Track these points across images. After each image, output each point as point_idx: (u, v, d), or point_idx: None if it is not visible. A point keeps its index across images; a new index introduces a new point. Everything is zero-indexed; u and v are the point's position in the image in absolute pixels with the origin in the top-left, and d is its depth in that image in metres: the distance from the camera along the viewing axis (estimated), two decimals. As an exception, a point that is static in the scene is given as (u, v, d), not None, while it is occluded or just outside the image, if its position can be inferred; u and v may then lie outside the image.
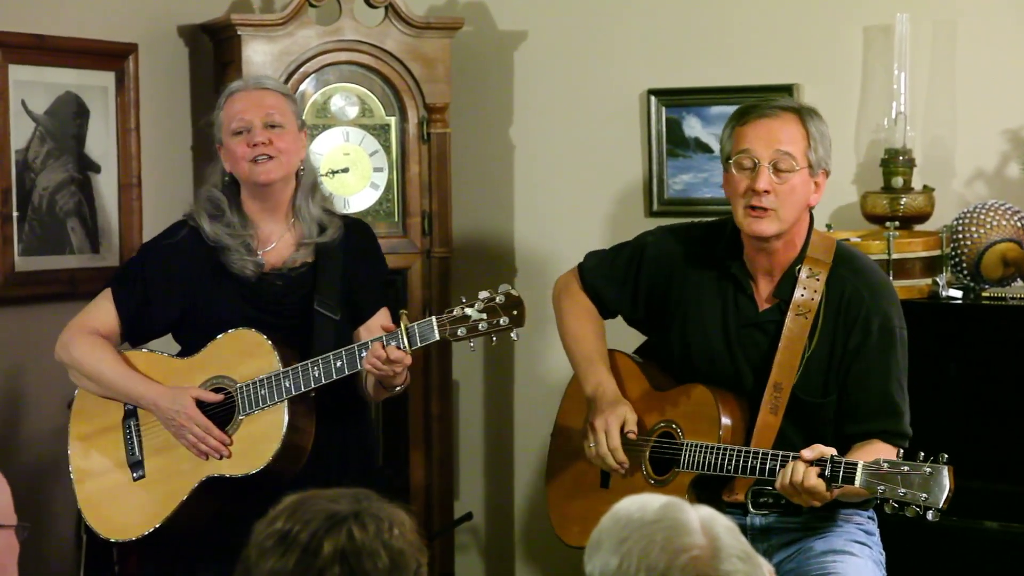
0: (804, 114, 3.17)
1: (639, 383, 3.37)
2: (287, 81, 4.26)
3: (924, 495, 2.82)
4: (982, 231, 3.85)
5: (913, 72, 4.06)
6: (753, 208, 3.12)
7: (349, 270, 3.48)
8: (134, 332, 3.53)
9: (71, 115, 4.24)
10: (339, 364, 3.27)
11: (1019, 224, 3.85)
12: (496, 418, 4.85)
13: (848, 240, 3.65)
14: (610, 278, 3.44)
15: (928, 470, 2.82)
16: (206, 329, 3.44)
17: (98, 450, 3.51)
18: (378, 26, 4.37)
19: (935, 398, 3.74)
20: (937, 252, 3.94)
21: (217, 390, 3.39)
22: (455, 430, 4.69)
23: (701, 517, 1.76)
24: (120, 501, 3.46)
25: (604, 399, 3.29)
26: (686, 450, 3.19)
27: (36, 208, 4.16)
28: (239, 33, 4.23)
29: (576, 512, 3.41)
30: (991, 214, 3.86)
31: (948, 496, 2.82)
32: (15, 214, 4.09)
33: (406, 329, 3.21)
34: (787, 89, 4.23)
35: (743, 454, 3.09)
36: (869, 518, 3.29)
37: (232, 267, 3.44)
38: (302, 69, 4.30)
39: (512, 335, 3.19)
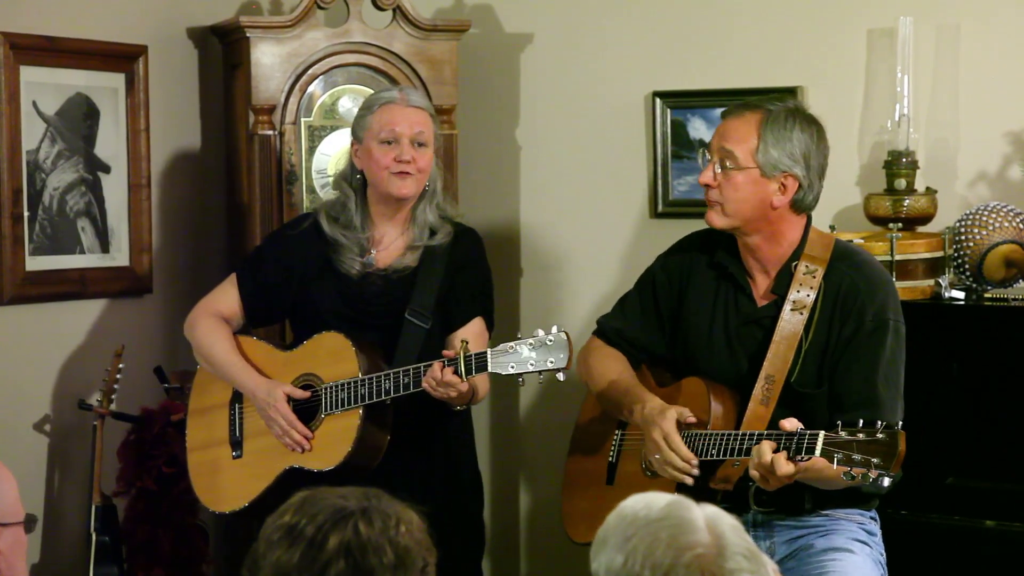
0: (769, 116, 3.20)
1: (646, 381, 3.42)
2: (295, 82, 4.29)
3: (876, 460, 2.84)
4: (984, 233, 3.86)
5: (916, 75, 4.08)
6: (707, 200, 3.25)
7: (448, 278, 3.61)
8: (255, 315, 3.75)
9: (81, 116, 4.27)
10: (406, 380, 3.40)
11: (1021, 226, 3.87)
12: (502, 417, 4.87)
13: (851, 241, 3.67)
14: (630, 318, 3.48)
15: (881, 436, 2.85)
16: (307, 320, 3.66)
17: (208, 424, 3.73)
18: (386, 28, 4.39)
19: (937, 399, 3.76)
20: (940, 253, 3.96)
21: (306, 387, 3.57)
22: (461, 429, 4.71)
23: (706, 515, 1.77)
24: (219, 475, 3.69)
25: (652, 412, 3.25)
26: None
27: (47, 208, 4.19)
28: (248, 35, 4.25)
29: (584, 509, 3.46)
30: (993, 216, 3.88)
31: (899, 461, 2.83)
32: (26, 214, 4.11)
33: (464, 357, 3.32)
34: (791, 91, 4.25)
35: (725, 436, 3.13)
36: (871, 518, 3.32)
37: (340, 266, 3.61)
38: (310, 71, 4.31)
39: (559, 376, 3.29)
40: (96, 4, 4.32)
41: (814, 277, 3.22)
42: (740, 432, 3.12)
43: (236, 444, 3.68)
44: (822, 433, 2.90)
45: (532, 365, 3.26)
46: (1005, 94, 4.11)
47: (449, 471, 3.68)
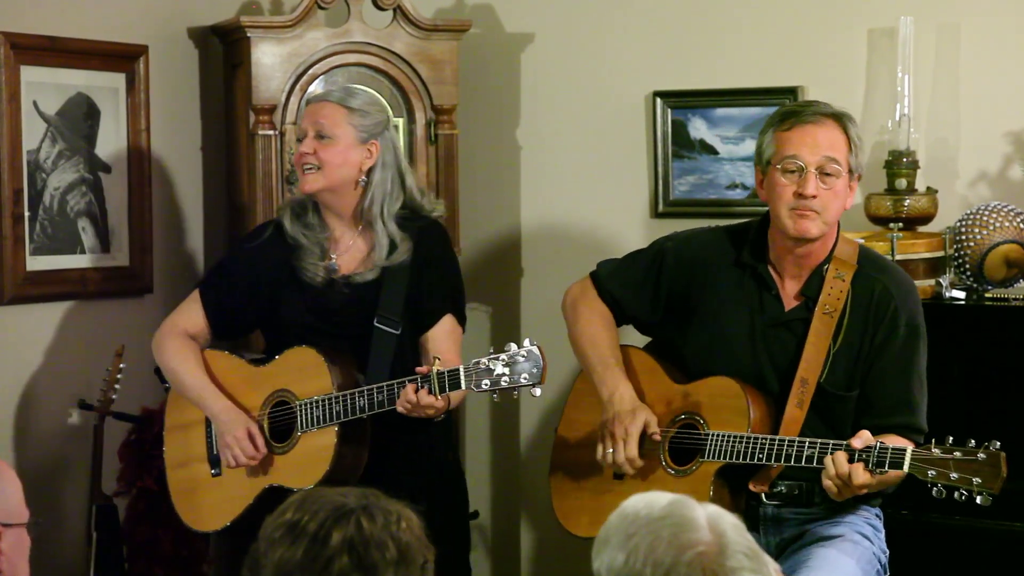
0: (844, 120, 3.23)
1: (656, 376, 3.40)
2: (296, 82, 4.28)
3: (978, 480, 2.89)
4: (985, 232, 3.87)
5: (917, 74, 4.08)
6: (799, 210, 3.18)
7: (415, 279, 3.54)
8: (221, 330, 3.68)
9: (82, 116, 4.27)
10: (380, 398, 3.36)
11: (1022, 225, 3.87)
12: (502, 417, 4.87)
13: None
14: (628, 284, 3.47)
15: (982, 456, 2.90)
16: (275, 331, 3.61)
17: (186, 441, 3.66)
18: (386, 28, 4.39)
19: (938, 398, 3.75)
20: (940, 253, 3.96)
21: (280, 403, 3.51)
22: (461, 429, 4.71)
23: (708, 514, 1.77)
24: (200, 493, 3.63)
25: (623, 405, 3.31)
26: (712, 440, 3.22)
27: (47, 208, 4.19)
28: (248, 35, 4.25)
29: (585, 503, 3.45)
30: (994, 216, 3.88)
31: (1001, 481, 2.90)
32: (27, 214, 4.11)
33: (436, 375, 3.28)
34: (791, 91, 4.26)
35: (776, 443, 3.13)
36: (876, 515, 3.34)
37: (304, 274, 3.55)
38: (311, 71, 4.31)
39: (533, 392, 3.26)
40: (97, 4, 4.32)
41: (844, 281, 3.23)
42: (796, 439, 3.13)
43: (214, 462, 3.61)
44: (910, 448, 2.96)
45: (505, 382, 3.23)
46: (1005, 94, 4.11)
47: (433, 472, 3.62)
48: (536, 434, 4.80)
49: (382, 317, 3.50)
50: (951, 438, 2.98)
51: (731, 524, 1.78)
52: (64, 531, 4.19)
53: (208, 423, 3.61)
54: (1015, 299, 3.86)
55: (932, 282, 3.93)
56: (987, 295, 3.91)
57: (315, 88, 4.34)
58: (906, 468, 2.94)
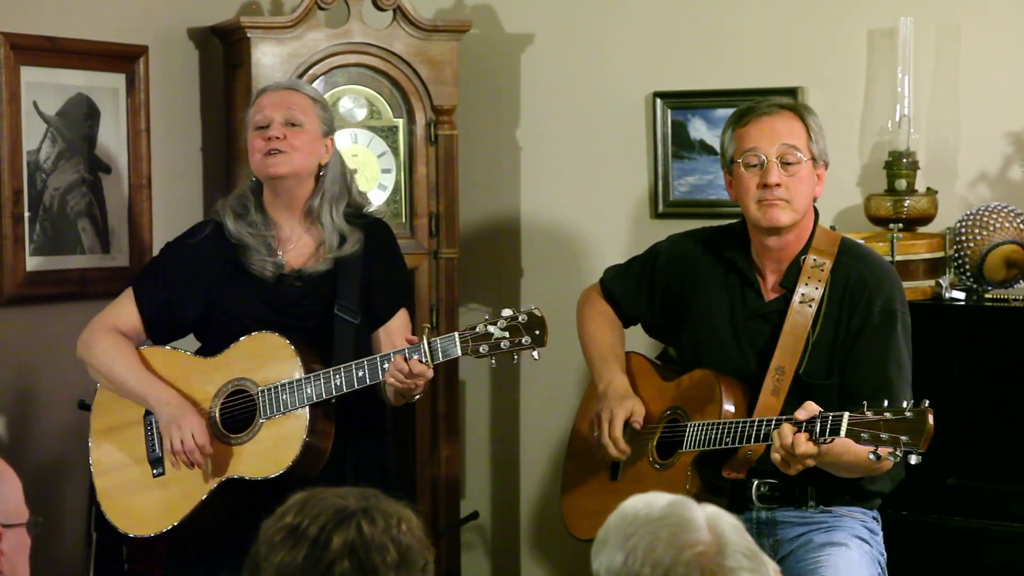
0: (800, 109, 3.31)
1: (652, 378, 3.47)
2: (296, 83, 4.29)
3: (905, 438, 2.89)
4: (985, 233, 3.87)
5: (917, 75, 4.08)
6: (766, 200, 3.22)
7: (367, 273, 3.49)
8: (156, 330, 3.54)
9: (82, 116, 4.27)
10: (361, 374, 3.27)
11: (1022, 226, 3.87)
12: (502, 417, 4.87)
13: (851, 242, 3.68)
14: (626, 285, 3.56)
15: (909, 414, 2.90)
16: (225, 329, 3.46)
17: (118, 445, 3.52)
18: (386, 29, 4.39)
19: (938, 399, 3.75)
20: (940, 254, 3.96)
21: (237, 392, 3.41)
22: (461, 429, 4.71)
23: (707, 514, 1.77)
24: (139, 497, 3.47)
25: (614, 393, 3.40)
26: (689, 431, 3.27)
27: (47, 208, 4.19)
28: (248, 35, 4.25)
29: (586, 507, 3.49)
30: (994, 216, 3.88)
31: (927, 438, 2.88)
32: (26, 214, 4.11)
33: (428, 343, 3.22)
34: (791, 92, 4.25)
35: (739, 424, 3.17)
36: (873, 518, 3.35)
37: (252, 268, 3.46)
38: (311, 71, 4.31)
39: (533, 355, 3.20)
40: (97, 4, 4.32)
41: (822, 270, 3.27)
42: (756, 419, 3.16)
43: (156, 461, 3.45)
44: (847, 414, 2.95)
45: (505, 345, 3.16)
46: (1005, 94, 4.11)
47: (380, 468, 3.53)
48: (536, 434, 4.80)
49: (341, 306, 3.43)
50: (886, 401, 2.97)
51: (730, 524, 1.78)
52: (64, 531, 4.19)
53: (146, 421, 3.49)
54: (1015, 300, 3.86)
55: (932, 283, 3.93)
56: (987, 296, 3.91)
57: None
58: (843, 433, 2.94)
